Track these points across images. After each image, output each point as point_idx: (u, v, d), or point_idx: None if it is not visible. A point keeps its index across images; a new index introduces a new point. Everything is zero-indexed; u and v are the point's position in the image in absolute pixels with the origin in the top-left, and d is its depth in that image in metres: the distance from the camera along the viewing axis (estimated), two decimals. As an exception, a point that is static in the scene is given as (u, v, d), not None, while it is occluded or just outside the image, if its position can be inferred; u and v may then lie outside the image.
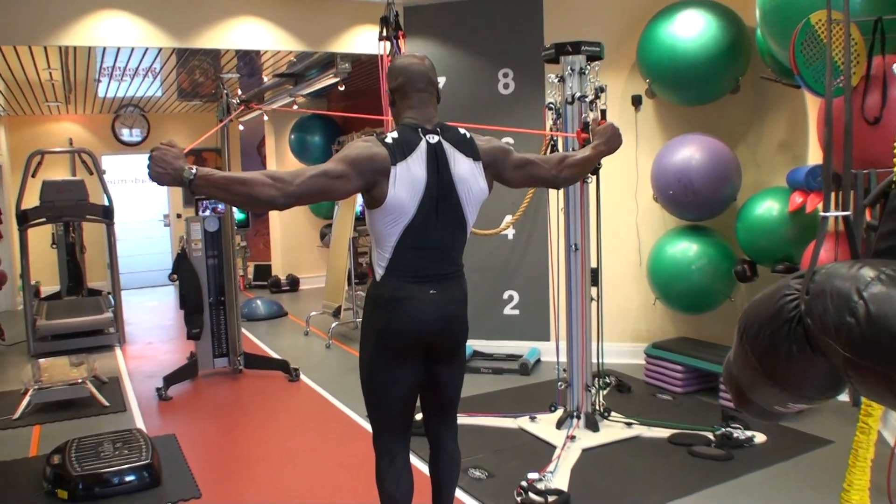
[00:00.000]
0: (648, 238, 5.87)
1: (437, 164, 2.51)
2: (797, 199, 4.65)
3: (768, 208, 5.00)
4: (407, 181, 2.45)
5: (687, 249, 5.43)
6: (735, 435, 4.14)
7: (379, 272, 2.58)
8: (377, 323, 2.59)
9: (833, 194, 4.55)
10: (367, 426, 4.58)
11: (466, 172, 2.57)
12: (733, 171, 5.32)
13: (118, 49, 6.47)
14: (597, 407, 4.50)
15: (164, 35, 5.94)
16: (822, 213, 1.88)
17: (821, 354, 1.62)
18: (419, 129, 2.54)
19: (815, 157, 5.08)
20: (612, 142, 3.05)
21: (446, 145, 2.56)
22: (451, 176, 2.54)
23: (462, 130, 2.64)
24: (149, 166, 2.19)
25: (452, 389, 2.78)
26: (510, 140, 5.80)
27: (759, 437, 4.19)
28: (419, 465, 3.66)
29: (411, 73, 2.59)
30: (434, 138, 2.54)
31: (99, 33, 5.73)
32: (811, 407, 1.86)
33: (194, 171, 2.19)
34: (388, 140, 2.47)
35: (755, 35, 5.13)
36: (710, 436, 4.19)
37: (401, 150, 2.46)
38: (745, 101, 5.64)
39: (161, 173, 2.18)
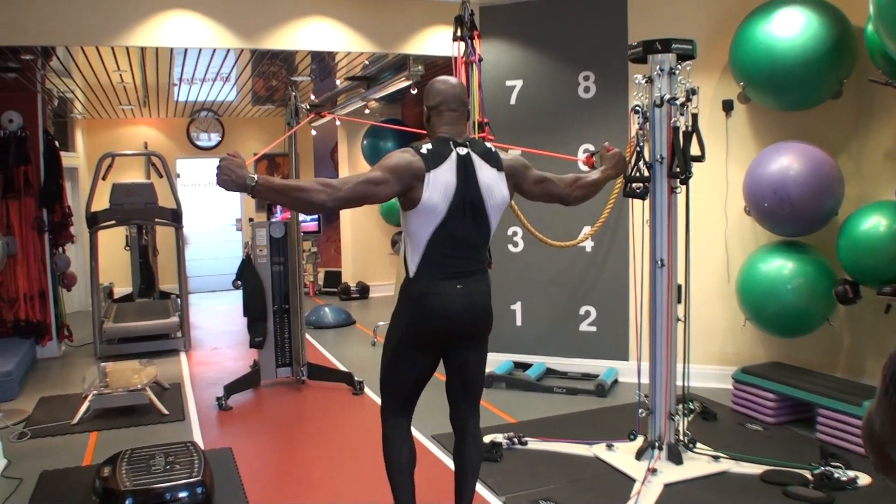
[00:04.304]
0: (738, 254, 5.44)
1: (466, 172, 2.84)
2: (910, 214, 4.22)
3: (875, 224, 4.56)
4: (439, 185, 2.77)
5: (782, 267, 5.00)
6: (836, 475, 3.72)
7: (412, 269, 2.87)
8: (408, 315, 2.90)
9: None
10: (431, 446, 4.36)
11: (490, 180, 2.88)
12: (835, 183, 4.87)
13: (185, 50, 6.37)
14: (681, 437, 4.13)
15: (232, 36, 5.80)
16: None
17: None
18: (451, 142, 2.87)
19: (928, 168, 4.62)
20: (618, 166, 3.43)
21: (474, 156, 2.88)
22: (478, 182, 2.85)
23: (488, 145, 2.98)
24: (217, 174, 2.54)
25: (478, 375, 3.04)
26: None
27: (864, 479, 3.75)
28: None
29: (447, 95, 2.93)
30: (463, 150, 2.86)
31: (166, 34, 5.62)
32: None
33: (256, 178, 2.55)
34: (423, 150, 2.81)
35: (864, 34, 4.69)
36: (808, 475, 3.77)
37: (434, 159, 2.79)
38: (848, 106, 5.15)
39: (227, 180, 2.53)
